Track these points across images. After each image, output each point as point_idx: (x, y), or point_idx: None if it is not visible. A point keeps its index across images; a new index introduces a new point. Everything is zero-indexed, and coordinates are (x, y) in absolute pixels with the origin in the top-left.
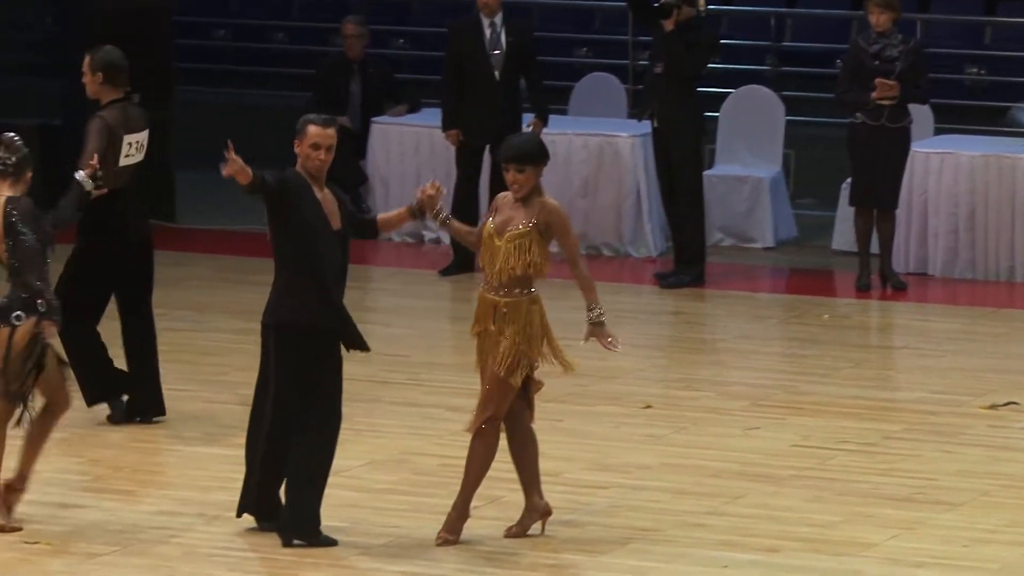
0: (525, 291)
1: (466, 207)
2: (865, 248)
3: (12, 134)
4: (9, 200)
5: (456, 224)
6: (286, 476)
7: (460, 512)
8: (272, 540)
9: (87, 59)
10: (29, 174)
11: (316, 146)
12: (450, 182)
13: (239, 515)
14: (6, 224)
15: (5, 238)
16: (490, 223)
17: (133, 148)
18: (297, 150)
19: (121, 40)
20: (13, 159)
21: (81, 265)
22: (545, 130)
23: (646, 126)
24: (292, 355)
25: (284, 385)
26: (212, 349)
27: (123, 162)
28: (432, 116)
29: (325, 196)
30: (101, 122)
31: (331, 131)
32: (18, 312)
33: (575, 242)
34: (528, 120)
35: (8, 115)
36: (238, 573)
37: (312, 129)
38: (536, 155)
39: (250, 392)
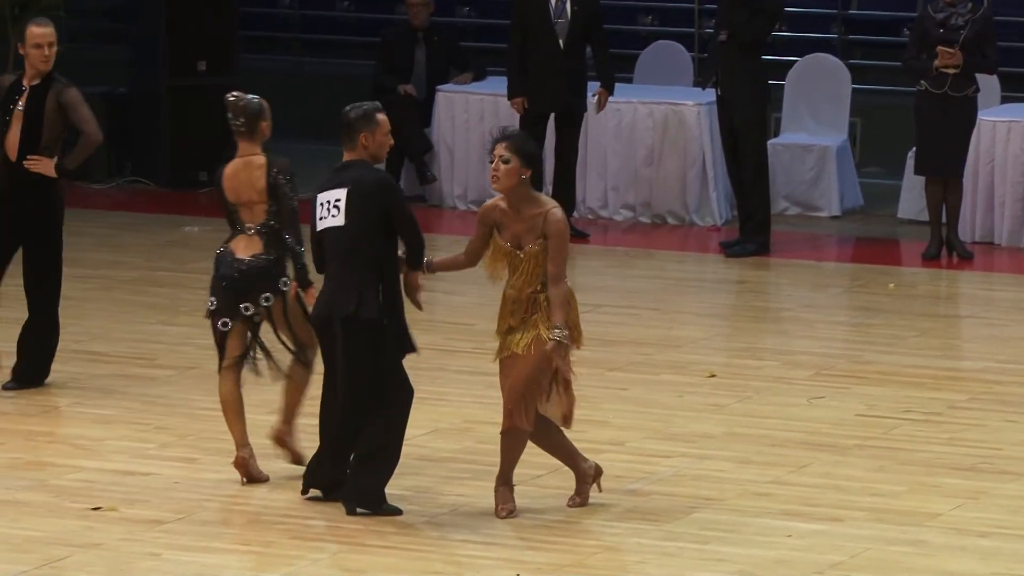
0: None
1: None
2: (936, 217)
3: (233, 95)
4: (270, 162)
5: (438, 262)
6: (356, 449)
7: (507, 485)
8: (336, 508)
9: (50, 30)
10: (263, 123)
11: (388, 132)
12: None
13: (304, 492)
14: (271, 185)
15: (268, 200)
16: (501, 240)
17: None
18: (366, 142)
19: (187, 7)
20: (242, 119)
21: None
22: (610, 98)
23: (711, 94)
24: (361, 346)
25: (354, 374)
26: None
27: None
28: (497, 84)
29: None
30: (79, 90)
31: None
32: (284, 278)
33: (564, 261)
34: (594, 89)
35: (76, 82)
36: (302, 540)
37: (381, 117)
38: (528, 154)
39: (316, 361)
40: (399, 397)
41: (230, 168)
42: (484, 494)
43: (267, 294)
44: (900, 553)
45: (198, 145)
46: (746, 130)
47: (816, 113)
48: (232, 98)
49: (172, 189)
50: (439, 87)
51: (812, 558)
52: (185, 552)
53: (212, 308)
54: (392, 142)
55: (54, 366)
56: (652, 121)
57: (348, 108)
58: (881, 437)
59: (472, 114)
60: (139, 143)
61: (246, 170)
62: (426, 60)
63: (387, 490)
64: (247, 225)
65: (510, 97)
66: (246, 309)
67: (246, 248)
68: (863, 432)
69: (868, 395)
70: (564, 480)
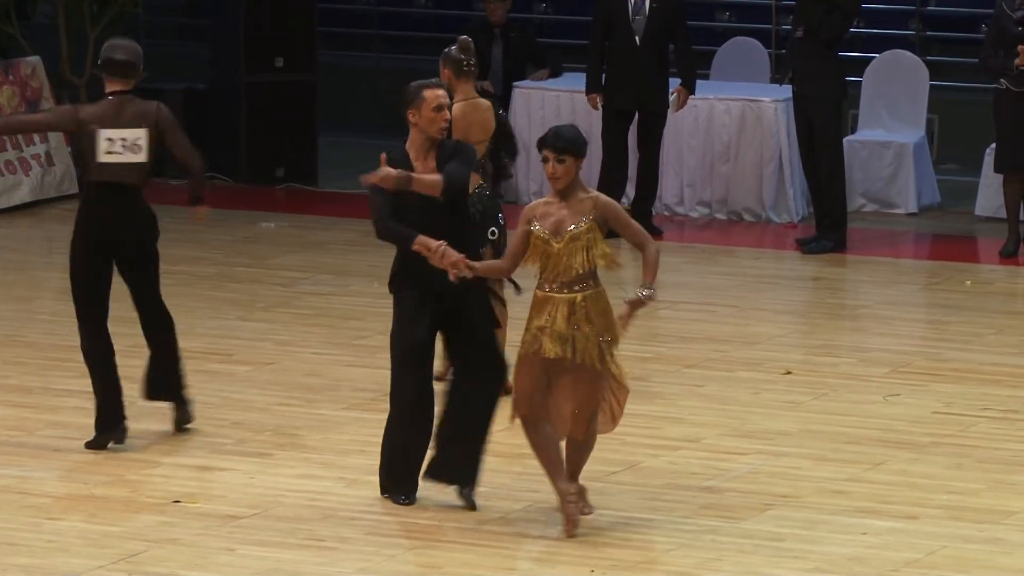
0: (596, 282)
1: (615, 175)
2: (1014, 215)
3: (467, 37)
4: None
5: (480, 266)
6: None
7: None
8: (410, 505)
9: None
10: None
11: (439, 107)
12: (591, 148)
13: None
14: (500, 123)
15: (491, 138)
16: (538, 227)
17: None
18: (414, 119)
19: (266, 4)
20: (474, 59)
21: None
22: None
23: (788, 90)
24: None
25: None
26: (353, 313)
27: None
28: (574, 80)
29: (428, 165)
30: None
31: (444, 91)
32: (492, 228)
33: (637, 225)
34: (674, 87)
35: (155, 79)
36: (377, 536)
37: (429, 93)
38: (574, 147)
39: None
40: (394, 397)
41: (457, 109)
42: None
43: (492, 228)
44: (977, 551)
45: (276, 141)
46: (822, 126)
47: (894, 110)
48: (466, 38)
49: (250, 185)
50: (516, 83)
51: (888, 556)
52: (260, 547)
53: None
54: (446, 119)
55: (133, 361)
56: (729, 117)
57: None
58: (958, 435)
59: (549, 110)
60: (217, 139)
61: (476, 112)
62: (503, 56)
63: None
64: None
65: (587, 93)
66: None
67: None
68: (940, 430)
69: (945, 392)
70: (639, 477)
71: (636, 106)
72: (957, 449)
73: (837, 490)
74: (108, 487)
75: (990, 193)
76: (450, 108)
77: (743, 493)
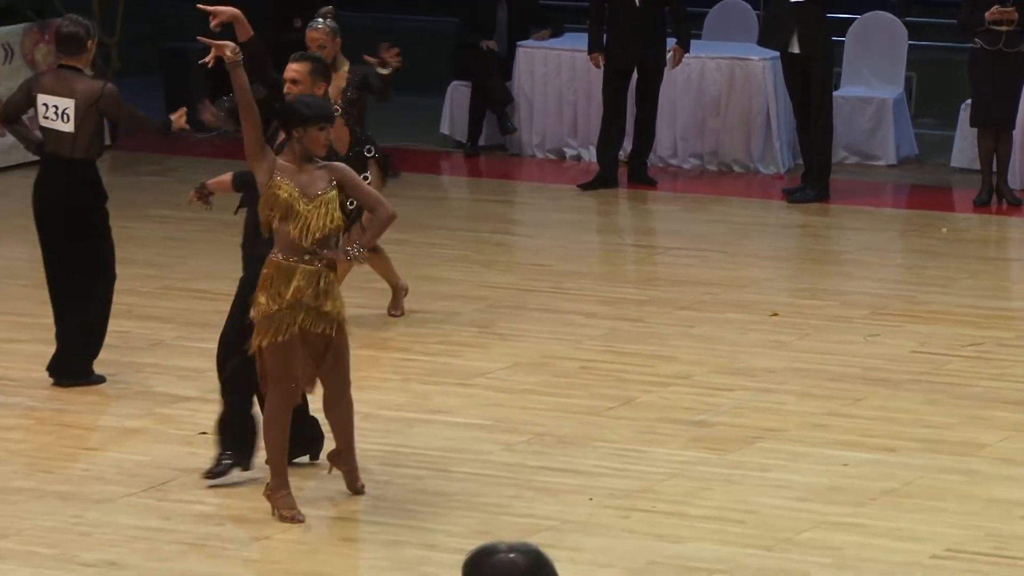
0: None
1: (614, 130)
2: (987, 167)
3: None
4: None
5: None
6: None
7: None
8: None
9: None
10: None
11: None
12: (591, 104)
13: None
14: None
15: None
16: (290, 187)
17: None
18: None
19: None
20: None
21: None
22: None
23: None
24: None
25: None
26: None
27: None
28: (574, 40)
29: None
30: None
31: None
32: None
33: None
34: (670, 46)
35: (179, 39)
36: (384, 465)
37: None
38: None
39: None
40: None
41: None
42: (560, 423)
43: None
44: (951, 481)
45: None
46: (822, 85)
47: (874, 68)
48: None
49: None
50: (519, 43)
51: (867, 485)
52: None
53: None
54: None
55: (161, 302)
56: (720, 75)
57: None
58: (933, 372)
59: (550, 68)
60: None
61: None
62: (507, 17)
63: (470, 420)
64: None
65: (589, 52)
66: None
67: None
68: (916, 367)
69: (921, 333)
70: (634, 411)
71: (635, 64)
72: (932, 386)
73: (819, 424)
74: (139, 419)
75: (965, 146)
76: None
77: (731, 427)
